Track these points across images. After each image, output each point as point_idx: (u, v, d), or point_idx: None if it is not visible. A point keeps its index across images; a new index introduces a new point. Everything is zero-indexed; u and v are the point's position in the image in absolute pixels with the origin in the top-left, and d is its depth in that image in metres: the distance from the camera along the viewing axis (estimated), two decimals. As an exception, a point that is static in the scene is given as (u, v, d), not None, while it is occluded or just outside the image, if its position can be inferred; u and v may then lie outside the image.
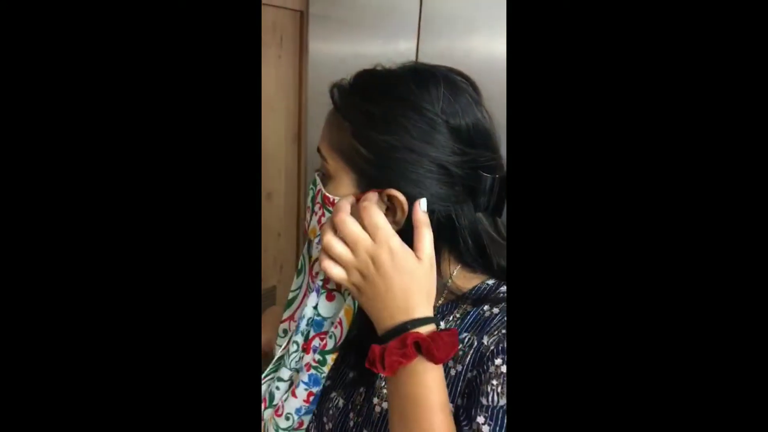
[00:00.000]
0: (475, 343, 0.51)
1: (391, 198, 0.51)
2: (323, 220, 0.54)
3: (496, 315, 0.52)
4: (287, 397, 0.58)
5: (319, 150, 0.55)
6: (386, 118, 0.50)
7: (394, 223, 0.51)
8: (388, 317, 0.47)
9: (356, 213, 0.50)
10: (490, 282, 0.56)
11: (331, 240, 0.48)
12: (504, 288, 0.54)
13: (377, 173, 0.51)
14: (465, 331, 0.53)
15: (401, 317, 0.46)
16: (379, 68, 0.55)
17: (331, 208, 0.53)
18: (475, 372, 0.50)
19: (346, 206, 0.48)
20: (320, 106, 1.06)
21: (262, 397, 0.60)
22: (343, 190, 0.53)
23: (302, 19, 1.12)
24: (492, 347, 0.50)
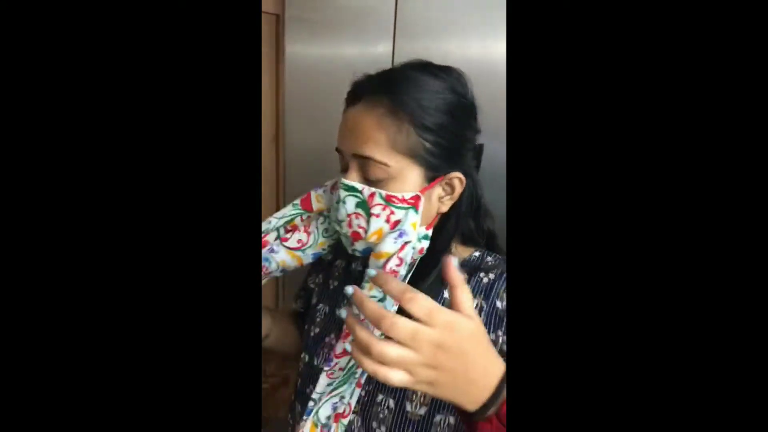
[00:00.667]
0: (485, 307, 0.59)
1: (450, 180, 0.57)
2: (392, 218, 0.55)
3: (495, 280, 0.61)
4: (354, 392, 0.58)
5: (365, 156, 0.54)
6: (436, 108, 0.55)
7: (451, 200, 0.58)
8: (479, 391, 0.42)
9: (429, 203, 0.57)
10: (477, 254, 0.66)
11: (380, 346, 0.40)
12: (489, 258, 0.65)
13: (437, 161, 0.56)
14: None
15: (491, 383, 0.42)
16: (393, 67, 0.60)
17: (402, 204, 0.54)
18: (500, 333, 0.58)
19: (383, 312, 0.41)
20: (298, 109, 1.06)
21: (335, 412, 0.58)
22: (410, 186, 0.55)
23: (278, 22, 1.11)
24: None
